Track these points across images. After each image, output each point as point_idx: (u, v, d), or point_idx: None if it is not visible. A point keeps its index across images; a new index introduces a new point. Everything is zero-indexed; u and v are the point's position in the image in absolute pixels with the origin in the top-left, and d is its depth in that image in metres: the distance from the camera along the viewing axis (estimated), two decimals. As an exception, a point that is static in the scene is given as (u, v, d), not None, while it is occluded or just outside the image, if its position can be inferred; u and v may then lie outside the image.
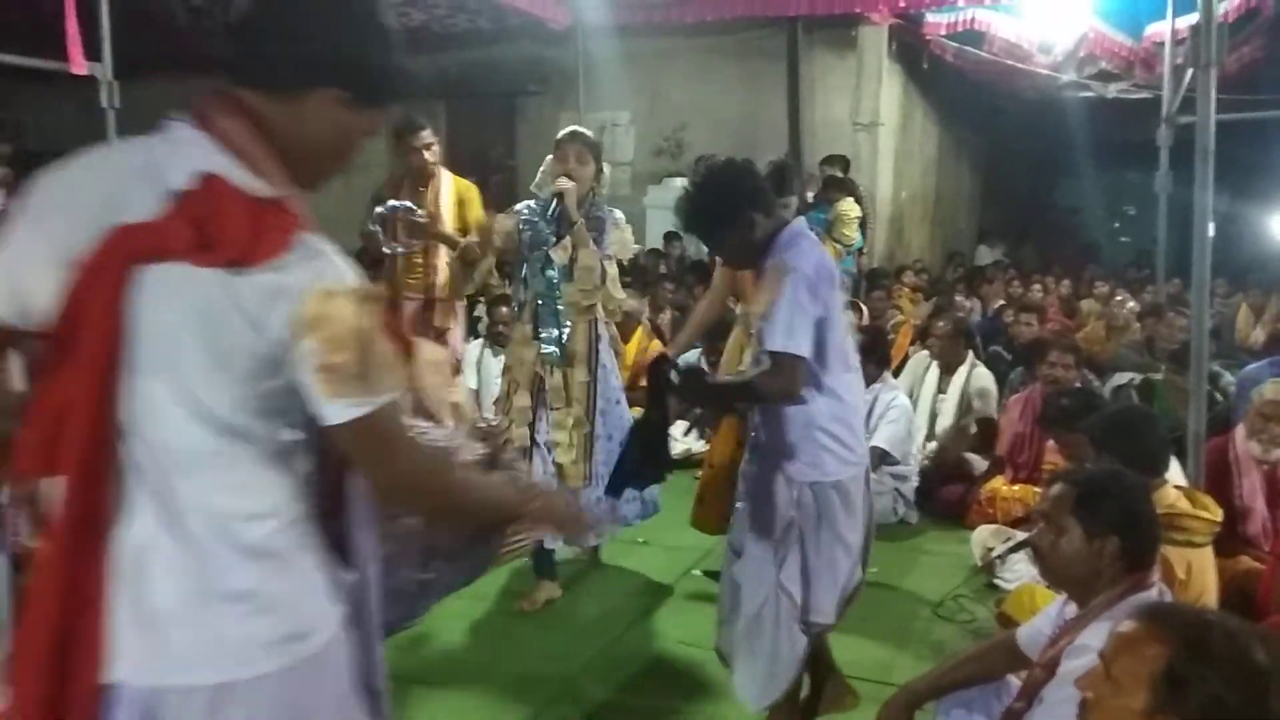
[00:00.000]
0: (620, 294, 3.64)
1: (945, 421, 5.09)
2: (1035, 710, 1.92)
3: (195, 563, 1.25)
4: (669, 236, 8.80)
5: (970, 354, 5.27)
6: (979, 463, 4.78)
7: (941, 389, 5.21)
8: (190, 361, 1.22)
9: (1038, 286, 9.05)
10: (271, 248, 1.21)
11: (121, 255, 1.21)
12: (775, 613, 2.54)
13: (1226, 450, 3.64)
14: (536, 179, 3.65)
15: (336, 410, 1.24)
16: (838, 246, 6.49)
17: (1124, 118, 10.29)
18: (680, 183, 9.13)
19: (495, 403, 3.90)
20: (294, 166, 1.29)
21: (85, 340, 1.21)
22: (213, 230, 1.19)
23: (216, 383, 1.23)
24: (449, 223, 4.47)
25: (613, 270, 3.56)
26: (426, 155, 4.36)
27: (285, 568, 1.31)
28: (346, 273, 1.26)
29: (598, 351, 3.56)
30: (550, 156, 3.53)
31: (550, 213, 3.48)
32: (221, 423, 1.24)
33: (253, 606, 1.28)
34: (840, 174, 7.55)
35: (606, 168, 3.61)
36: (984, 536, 4.00)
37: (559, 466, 3.50)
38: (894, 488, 4.48)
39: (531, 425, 3.54)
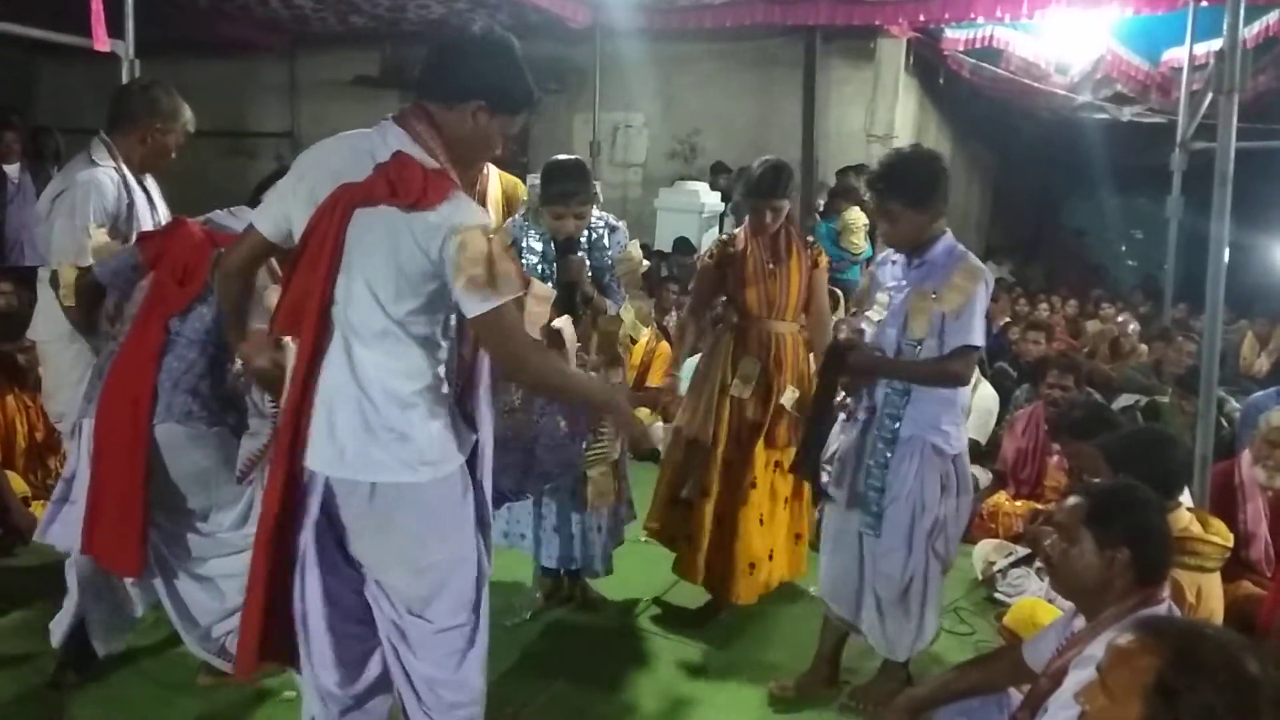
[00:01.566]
0: (568, 325, 3.23)
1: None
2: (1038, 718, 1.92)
3: (365, 402, 1.95)
4: (678, 246, 8.78)
5: (976, 371, 5.25)
6: (981, 477, 4.78)
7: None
8: (379, 270, 1.92)
9: (1044, 305, 9.07)
10: (434, 198, 1.91)
11: (346, 201, 1.94)
12: (925, 574, 2.88)
13: (1231, 475, 3.65)
14: (526, 206, 3.55)
15: (475, 305, 1.90)
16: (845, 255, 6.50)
17: (1137, 142, 10.31)
18: (692, 186, 9.21)
19: None
20: (456, 154, 2.01)
21: (319, 253, 1.94)
22: (400, 184, 1.91)
23: (393, 285, 1.93)
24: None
25: (629, 317, 3.40)
26: None
27: (422, 416, 1.98)
28: (481, 215, 1.97)
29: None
30: (540, 193, 3.26)
31: (552, 252, 3.30)
32: (392, 312, 1.94)
33: (395, 436, 1.95)
34: (851, 183, 7.57)
35: (598, 186, 3.43)
36: (986, 551, 4.01)
37: (587, 483, 3.37)
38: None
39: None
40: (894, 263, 3.00)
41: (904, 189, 2.81)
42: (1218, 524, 2.87)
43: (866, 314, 3.03)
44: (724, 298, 3.62)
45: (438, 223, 1.90)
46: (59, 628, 2.82)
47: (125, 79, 4.80)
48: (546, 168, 3.28)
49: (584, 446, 3.13)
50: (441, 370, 2.04)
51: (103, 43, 4.68)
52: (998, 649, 2.75)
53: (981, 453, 5.09)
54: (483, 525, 2.13)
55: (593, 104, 8.67)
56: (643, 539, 4.21)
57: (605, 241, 3.39)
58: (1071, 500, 2.12)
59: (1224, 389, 6.25)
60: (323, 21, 9.28)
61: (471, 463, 2.09)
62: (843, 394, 3.01)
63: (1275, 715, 1.36)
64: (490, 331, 1.96)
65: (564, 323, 3.05)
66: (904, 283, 2.90)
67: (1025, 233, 14.71)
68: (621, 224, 3.47)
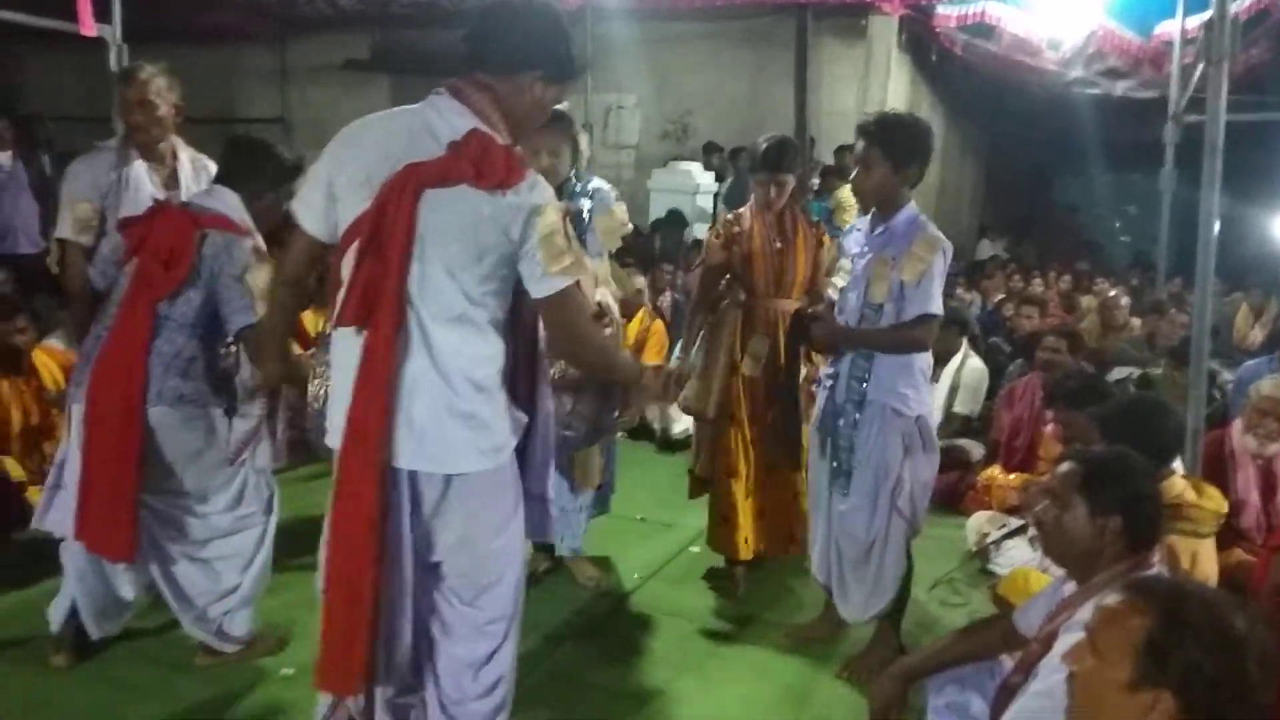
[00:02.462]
0: (609, 297, 3.28)
1: (936, 412, 5.10)
2: (1031, 684, 1.94)
3: (445, 389, 1.92)
4: (670, 218, 8.76)
5: (965, 343, 5.27)
6: (975, 450, 4.80)
7: (934, 378, 5.22)
8: (458, 253, 1.89)
9: (1038, 281, 9.08)
10: (518, 178, 1.89)
11: (415, 182, 1.87)
12: (886, 534, 2.97)
13: (1222, 445, 3.67)
14: None
15: (551, 284, 1.93)
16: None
17: (1130, 117, 10.30)
18: (685, 166, 9.19)
19: None
20: (513, 125, 1.98)
21: (391, 238, 1.87)
22: (484, 165, 1.86)
23: (472, 268, 1.90)
24: None
25: (602, 269, 3.35)
26: None
27: (493, 400, 1.99)
28: (552, 194, 1.98)
29: None
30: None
31: None
32: (470, 295, 1.92)
33: (476, 423, 1.95)
34: (846, 162, 7.56)
35: (585, 142, 3.42)
36: (979, 523, 4.03)
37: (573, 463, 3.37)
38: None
39: None
40: (858, 230, 3.10)
41: (888, 141, 2.88)
42: (1212, 490, 2.89)
43: (832, 280, 3.11)
44: (729, 276, 3.63)
45: (519, 204, 1.89)
46: (57, 611, 2.83)
47: (113, 65, 4.79)
48: None
49: (613, 418, 3.33)
50: (505, 353, 2.04)
51: (89, 28, 4.66)
52: (989, 616, 2.76)
53: (974, 428, 5.11)
54: (543, 500, 2.26)
55: (585, 85, 8.64)
56: (638, 517, 4.25)
57: (588, 217, 3.33)
58: (1064, 467, 2.13)
59: (1217, 361, 6.27)
60: (311, 5, 9.25)
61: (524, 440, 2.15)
62: (807, 368, 3.12)
63: (1261, 671, 1.36)
64: (562, 311, 1.98)
65: (605, 295, 3.08)
66: (866, 249, 2.99)
67: (1019, 210, 14.72)
68: (607, 185, 3.45)
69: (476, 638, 2.08)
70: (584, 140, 3.44)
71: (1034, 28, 8.60)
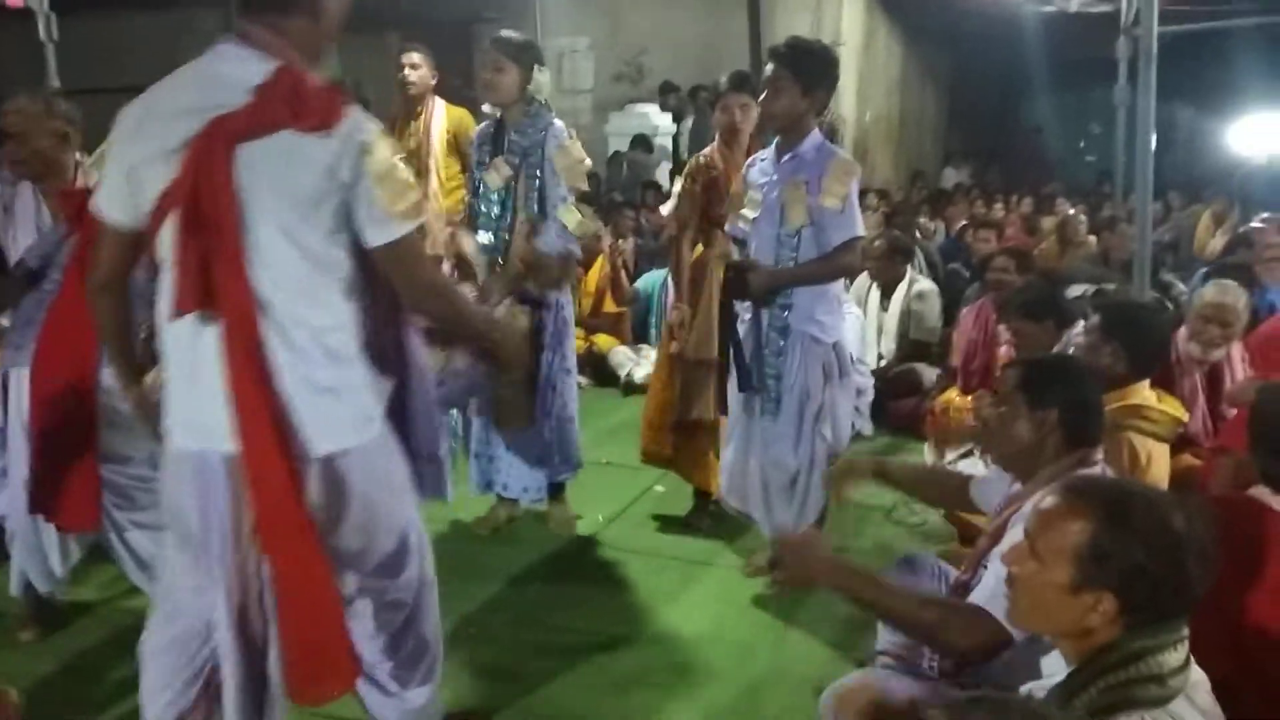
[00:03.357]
0: (469, 245, 3.20)
1: (889, 339, 5.23)
2: (980, 574, 1.98)
3: (302, 364, 1.76)
4: (636, 142, 8.67)
5: (909, 269, 5.33)
6: (931, 374, 4.86)
7: (884, 308, 5.30)
8: (289, 209, 1.71)
9: (1000, 206, 9.11)
10: (339, 115, 1.72)
11: (224, 136, 1.68)
12: (811, 456, 3.06)
13: (1168, 351, 3.72)
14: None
15: (386, 230, 1.77)
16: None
17: (1087, 33, 10.23)
18: (642, 108, 9.09)
19: None
20: (312, 57, 1.81)
21: (214, 204, 1.68)
22: (299, 105, 1.69)
23: (308, 224, 1.73)
24: (439, 154, 4.34)
25: (570, 219, 3.30)
26: (410, 74, 4.20)
27: (352, 367, 1.84)
28: (374, 127, 1.79)
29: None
30: None
31: (489, 129, 3.40)
32: (313, 252, 1.75)
33: (339, 396, 1.81)
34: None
35: (543, 74, 3.31)
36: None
37: (501, 403, 3.29)
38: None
39: None
40: (762, 160, 3.13)
41: (798, 65, 2.94)
42: (1172, 400, 2.98)
43: (742, 213, 3.13)
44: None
45: (345, 142, 1.72)
46: (14, 582, 2.86)
47: (42, 35, 4.68)
48: None
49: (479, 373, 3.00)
50: (358, 316, 1.87)
51: (12, -2, 4.55)
52: (950, 471, 2.90)
53: (934, 352, 5.17)
54: (434, 460, 2.11)
55: (535, 30, 8.50)
56: (604, 461, 4.29)
57: (543, 149, 3.28)
58: (1007, 371, 2.18)
59: (1178, 274, 6.34)
60: (250, -37, 9.01)
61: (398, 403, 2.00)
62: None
63: (1200, 566, 1.38)
64: (401, 260, 1.83)
65: (469, 242, 3.09)
66: (775, 178, 3.03)
67: (983, 136, 14.67)
68: (559, 122, 3.37)
69: (386, 610, 2.04)
70: (543, 76, 3.32)
71: (986, -53, 8.51)
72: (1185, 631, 1.40)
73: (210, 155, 1.68)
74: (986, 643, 1.76)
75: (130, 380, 2.06)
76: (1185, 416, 2.92)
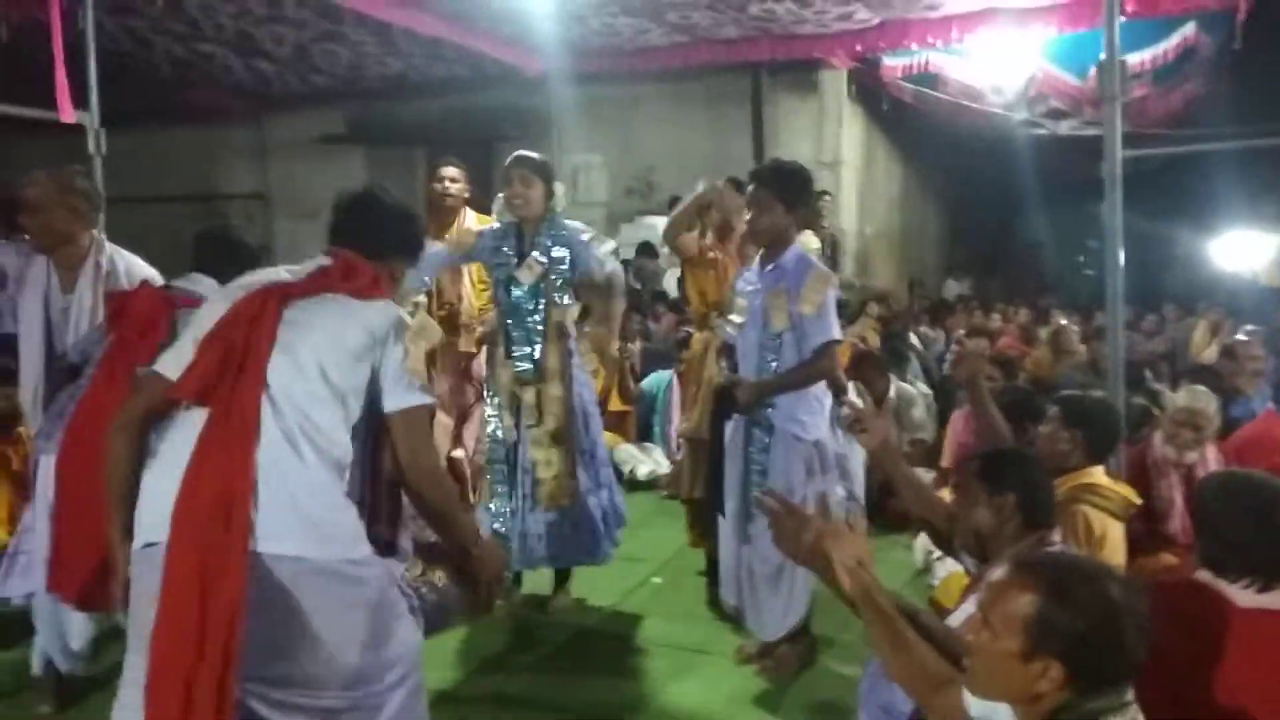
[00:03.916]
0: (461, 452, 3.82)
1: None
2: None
3: (293, 459, 1.92)
4: (642, 250, 9.00)
5: (893, 379, 5.56)
6: (925, 477, 5.00)
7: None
8: (331, 350, 2.00)
9: (997, 315, 9.37)
10: (381, 291, 2.12)
11: (278, 291, 2.04)
12: None
13: (1145, 455, 3.89)
14: (495, 209, 3.84)
15: (408, 396, 2.04)
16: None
17: (1079, 154, 10.65)
18: (651, 220, 9.48)
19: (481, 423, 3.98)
20: None
21: (248, 332, 1.97)
22: (353, 275, 2.09)
23: (343, 366, 2.00)
24: None
25: (570, 312, 3.72)
26: (448, 187, 4.43)
27: (343, 485, 2.00)
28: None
29: (570, 367, 3.68)
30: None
31: (510, 235, 3.68)
32: (334, 386, 1.99)
33: (346, 504, 1.98)
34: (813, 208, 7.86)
35: (560, 188, 3.71)
36: (925, 541, 4.21)
37: (539, 484, 3.58)
38: (845, 493, 4.72)
39: (514, 446, 3.63)
40: (748, 270, 3.42)
41: (779, 184, 3.24)
42: (1126, 486, 3.12)
43: (729, 318, 3.41)
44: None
45: (385, 309, 2.08)
46: (36, 660, 3.01)
47: (91, 149, 5.04)
48: None
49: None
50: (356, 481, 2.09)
51: (68, 114, 4.91)
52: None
53: (932, 450, 5.35)
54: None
55: (551, 148, 8.97)
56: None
57: (575, 247, 3.65)
58: (967, 462, 2.37)
59: (1169, 383, 6.51)
60: (285, 83, 9.58)
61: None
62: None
63: (1136, 634, 1.49)
64: (411, 429, 2.07)
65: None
66: (759, 287, 3.28)
67: (984, 249, 15.08)
68: (586, 232, 3.73)
69: None
70: (560, 190, 3.72)
71: (976, 75, 8.98)
72: (1130, 696, 1.52)
73: (258, 297, 2.02)
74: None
75: (117, 527, 2.07)
76: (1136, 499, 3.06)
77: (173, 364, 2.03)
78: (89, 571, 2.70)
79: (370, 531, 2.10)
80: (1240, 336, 6.21)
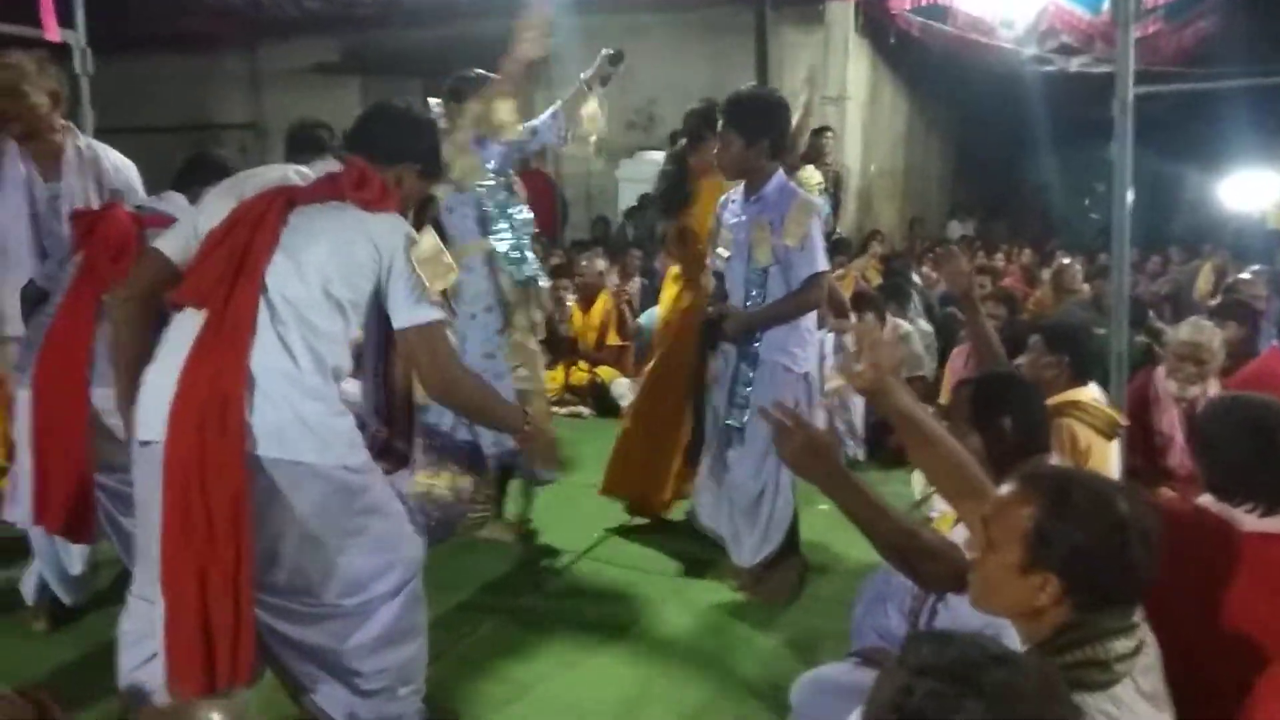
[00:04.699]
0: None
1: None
2: None
3: (289, 364, 1.92)
4: (642, 202, 8.91)
5: (887, 317, 5.52)
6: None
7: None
8: (329, 257, 1.96)
9: (1001, 256, 9.29)
10: (393, 204, 2.05)
11: (284, 195, 2.00)
12: (776, 483, 3.20)
13: (1147, 389, 3.86)
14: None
15: (419, 312, 2.00)
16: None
17: (1088, 93, 10.45)
18: (652, 155, 9.33)
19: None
20: None
21: (251, 234, 1.94)
22: (363, 185, 2.01)
23: (349, 280, 1.97)
24: None
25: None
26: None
27: (337, 387, 2.00)
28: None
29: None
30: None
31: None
32: (335, 296, 1.96)
33: (342, 410, 1.98)
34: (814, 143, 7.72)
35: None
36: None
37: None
38: (845, 423, 4.73)
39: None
40: (733, 201, 3.30)
41: (738, 118, 3.14)
42: (1113, 408, 3.13)
43: (718, 251, 3.33)
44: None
45: (393, 225, 2.03)
46: (27, 586, 3.01)
47: (78, 69, 4.92)
48: None
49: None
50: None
51: (53, 33, 4.78)
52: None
53: (930, 388, 5.32)
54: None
55: (550, 81, 8.77)
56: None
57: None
58: (961, 393, 2.32)
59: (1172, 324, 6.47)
60: (279, 8, 9.36)
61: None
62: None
63: (1143, 550, 1.44)
64: (427, 343, 2.05)
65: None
66: (743, 218, 3.20)
67: (989, 191, 14.90)
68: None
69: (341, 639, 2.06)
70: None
71: (986, 7, 8.79)
72: (1136, 619, 1.48)
73: (263, 201, 1.98)
74: (958, 573, 1.75)
75: (127, 399, 2.09)
76: (1121, 419, 3.09)
77: (173, 245, 2.06)
78: (70, 502, 2.71)
79: (388, 443, 2.17)
80: (1244, 276, 6.15)
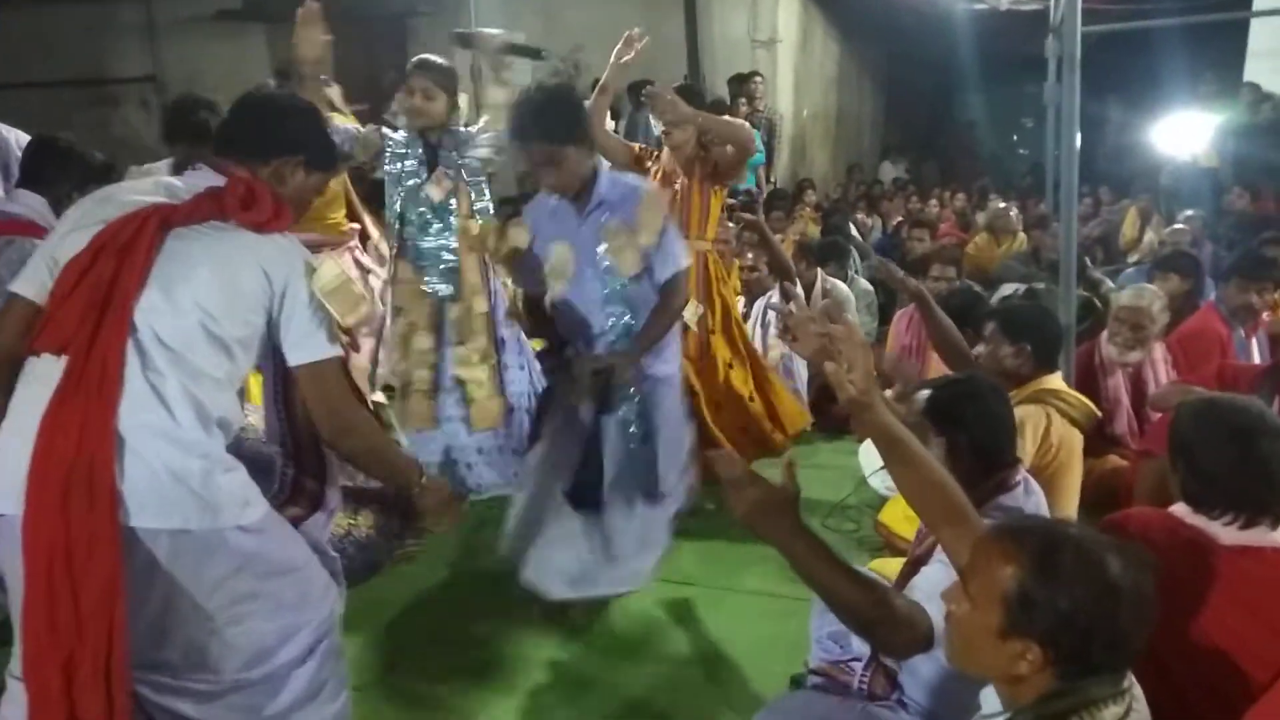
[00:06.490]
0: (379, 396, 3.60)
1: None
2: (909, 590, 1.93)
3: (165, 421, 1.66)
4: None
5: (819, 271, 5.35)
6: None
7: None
8: (211, 289, 1.70)
9: (934, 202, 9.22)
10: (285, 224, 1.81)
11: (159, 217, 1.71)
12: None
13: (1093, 354, 3.79)
14: (392, 107, 3.52)
15: (310, 350, 1.77)
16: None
17: (1018, 30, 10.36)
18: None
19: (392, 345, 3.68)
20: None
21: (119, 264, 1.65)
22: (251, 202, 1.75)
23: (226, 307, 1.71)
24: None
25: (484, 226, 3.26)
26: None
27: (222, 440, 1.74)
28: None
29: (489, 280, 3.50)
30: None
31: (416, 146, 3.45)
32: (219, 335, 1.71)
33: (231, 464, 1.73)
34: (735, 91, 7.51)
35: (464, 99, 3.51)
36: (871, 446, 4.11)
37: (474, 403, 3.40)
38: (791, 390, 4.58)
39: (434, 367, 3.46)
40: (552, 216, 2.80)
41: (553, 130, 2.61)
42: (1086, 399, 3.05)
43: (550, 284, 2.80)
44: None
45: (287, 249, 1.78)
46: None
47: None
48: None
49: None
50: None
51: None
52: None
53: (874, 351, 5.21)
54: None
55: (470, 25, 8.35)
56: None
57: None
58: (917, 397, 2.16)
59: (1105, 270, 6.46)
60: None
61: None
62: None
63: (1135, 617, 1.33)
64: (321, 382, 1.80)
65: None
66: (582, 230, 2.74)
67: (920, 130, 14.86)
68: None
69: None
70: (464, 101, 3.53)
71: (918, -54, 8.58)
72: (1126, 683, 1.36)
73: (132, 223, 1.68)
74: (925, 639, 1.64)
75: None
76: (1096, 412, 3.04)
77: (31, 284, 1.75)
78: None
79: (296, 484, 1.92)
80: (1179, 225, 6.15)
